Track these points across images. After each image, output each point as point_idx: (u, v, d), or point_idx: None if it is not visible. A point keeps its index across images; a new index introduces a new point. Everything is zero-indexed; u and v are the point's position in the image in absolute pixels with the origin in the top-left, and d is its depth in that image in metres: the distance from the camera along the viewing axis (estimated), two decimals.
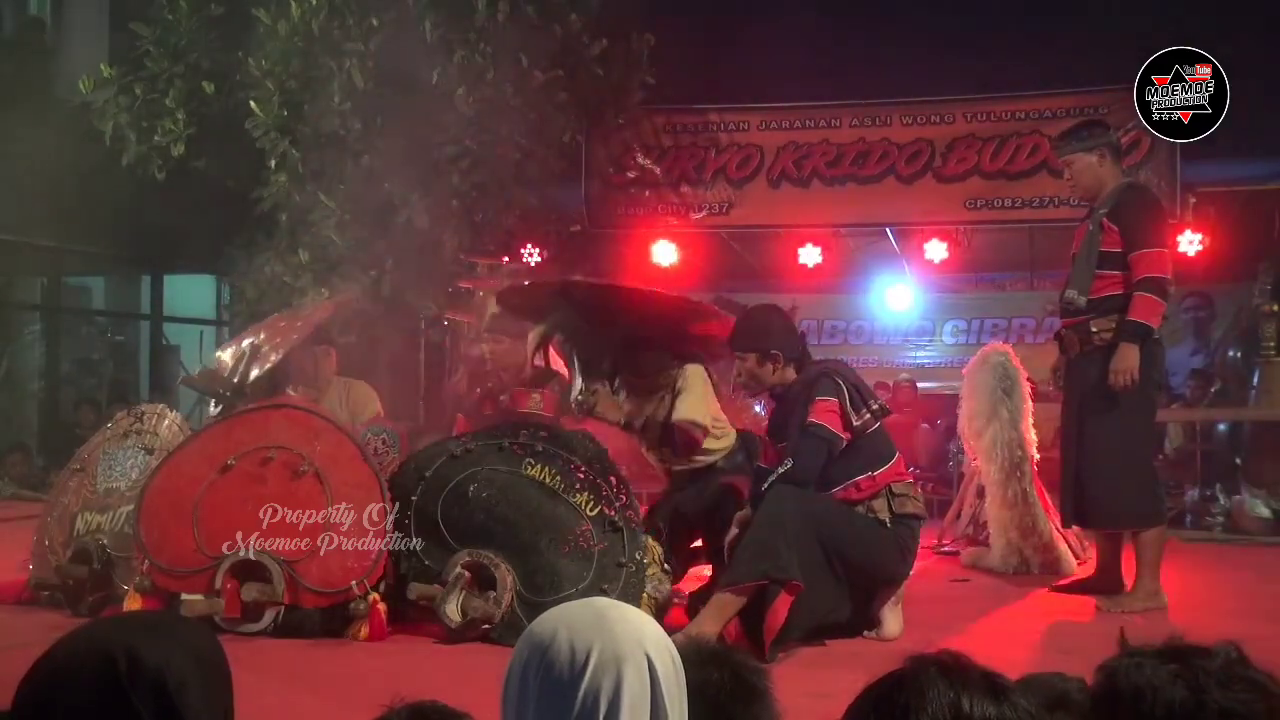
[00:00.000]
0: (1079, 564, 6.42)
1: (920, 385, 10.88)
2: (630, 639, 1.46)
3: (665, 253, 10.74)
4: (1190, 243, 9.80)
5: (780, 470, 4.51)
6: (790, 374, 4.74)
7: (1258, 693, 1.45)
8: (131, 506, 5.07)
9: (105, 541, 5.16)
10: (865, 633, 4.68)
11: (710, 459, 5.29)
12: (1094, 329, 5.35)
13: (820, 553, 4.39)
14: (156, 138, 9.10)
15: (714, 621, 4.25)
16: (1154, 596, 5.25)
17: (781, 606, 4.24)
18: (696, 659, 1.63)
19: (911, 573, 4.80)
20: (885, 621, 4.65)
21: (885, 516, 4.60)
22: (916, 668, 1.40)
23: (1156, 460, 10.14)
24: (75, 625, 1.66)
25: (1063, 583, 5.95)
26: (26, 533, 5.77)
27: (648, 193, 10.64)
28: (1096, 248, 5.35)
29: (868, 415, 4.58)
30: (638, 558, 4.66)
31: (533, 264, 10.26)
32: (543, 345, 5.39)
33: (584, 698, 1.41)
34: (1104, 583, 5.56)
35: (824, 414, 4.52)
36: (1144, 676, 1.47)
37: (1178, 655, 1.49)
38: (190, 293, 13.93)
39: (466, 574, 4.60)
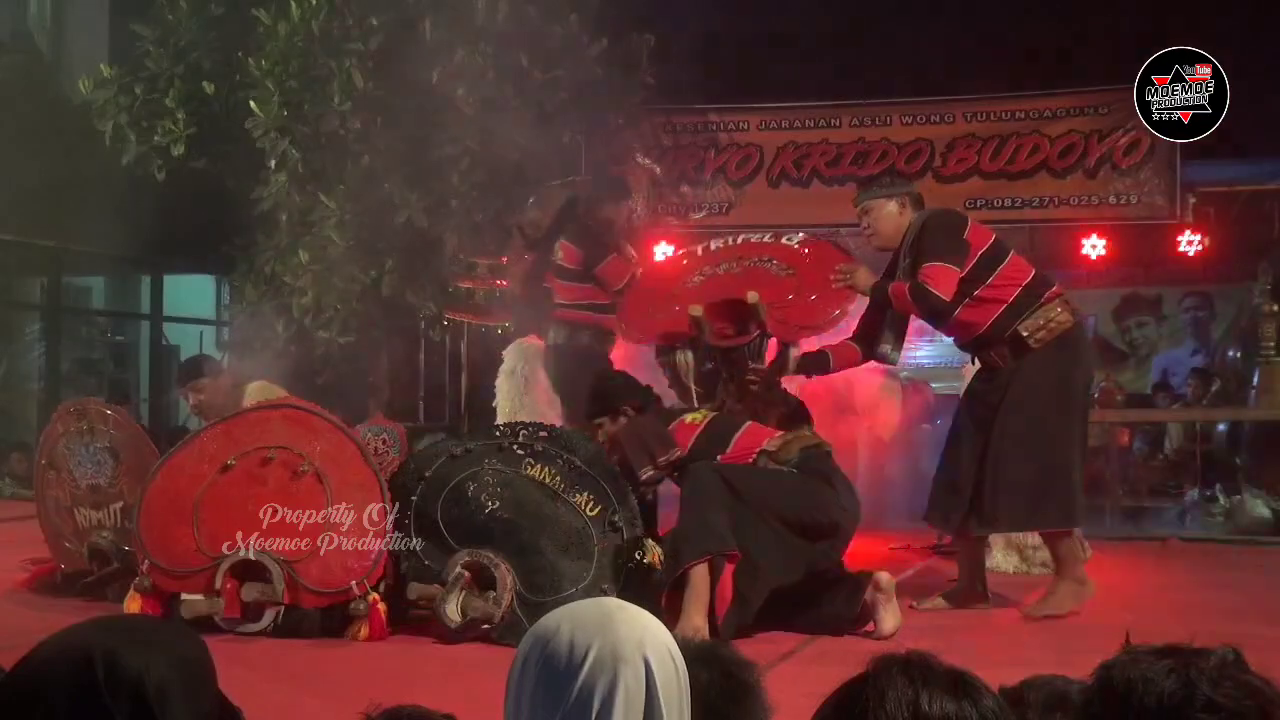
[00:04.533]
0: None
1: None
2: (631, 641, 1.46)
3: (665, 253, 10.72)
4: (1190, 243, 9.79)
5: None
6: None
7: (1250, 693, 1.45)
8: (121, 503, 5.15)
9: (110, 538, 5.21)
10: (866, 631, 4.70)
11: None
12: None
13: (748, 511, 4.53)
14: (156, 138, 9.10)
15: (698, 609, 4.38)
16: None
17: (727, 579, 4.43)
18: (685, 657, 1.64)
19: (859, 519, 4.94)
20: (883, 619, 4.65)
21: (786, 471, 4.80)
22: (879, 667, 1.41)
23: (1156, 460, 10.17)
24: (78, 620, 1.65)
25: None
26: (26, 532, 5.78)
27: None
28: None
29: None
30: (637, 558, 4.66)
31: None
32: None
33: (578, 693, 1.42)
34: (963, 595, 5.36)
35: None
36: (1138, 670, 1.49)
37: (1174, 653, 1.50)
38: (190, 293, 13.93)
39: (466, 574, 4.60)
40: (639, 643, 1.47)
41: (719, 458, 4.78)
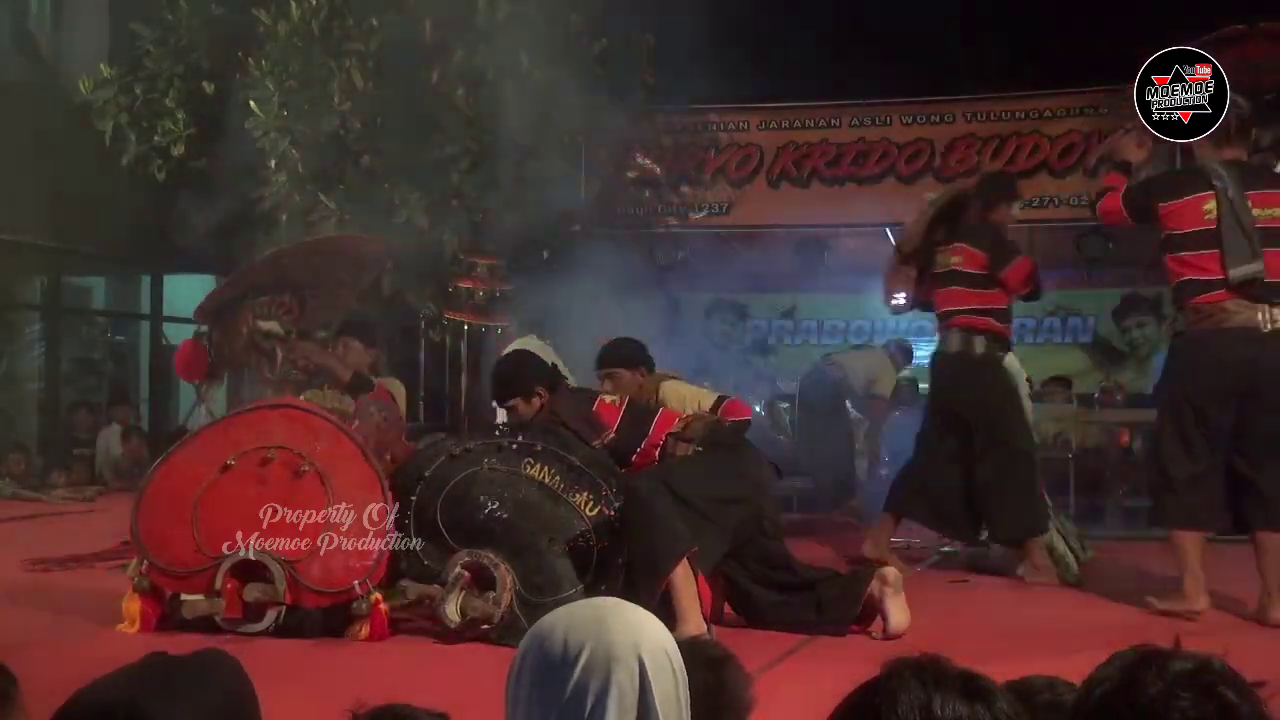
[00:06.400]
0: (1079, 565, 6.39)
1: (920, 385, 10.88)
2: (625, 641, 1.47)
3: (665, 253, 10.74)
4: None
5: None
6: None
7: (1214, 703, 1.39)
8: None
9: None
10: (871, 631, 4.71)
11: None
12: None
13: (684, 505, 4.63)
14: (156, 138, 9.11)
15: (693, 608, 4.43)
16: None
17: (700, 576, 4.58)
18: None
19: (766, 484, 5.07)
20: (891, 614, 4.65)
21: (693, 450, 4.90)
22: (892, 670, 1.41)
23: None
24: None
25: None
26: (26, 532, 5.77)
27: (648, 193, 10.64)
28: None
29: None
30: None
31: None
32: None
33: (572, 692, 1.44)
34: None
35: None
36: (1105, 670, 1.48)
37: (1150, 654, 1.47)
38: (190, 293, 13.84)
39: (466, 574, 4.60)
40: (634, 643, 1.47)
41: (643, 442, 4.97)
